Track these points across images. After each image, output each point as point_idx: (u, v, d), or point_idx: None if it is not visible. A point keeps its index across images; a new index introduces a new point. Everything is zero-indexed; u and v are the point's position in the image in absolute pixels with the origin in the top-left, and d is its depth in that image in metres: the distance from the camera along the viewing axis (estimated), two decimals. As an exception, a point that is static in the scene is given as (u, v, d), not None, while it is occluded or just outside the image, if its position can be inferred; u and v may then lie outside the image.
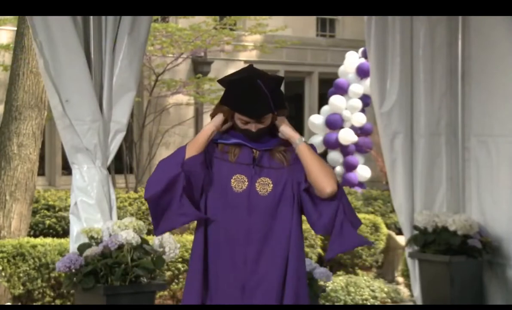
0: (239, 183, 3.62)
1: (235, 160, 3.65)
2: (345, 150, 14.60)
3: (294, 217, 3.64)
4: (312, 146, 3.71)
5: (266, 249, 3.60)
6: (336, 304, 8.54)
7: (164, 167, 3.69)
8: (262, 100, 3.60)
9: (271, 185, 3.63)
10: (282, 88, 3.86)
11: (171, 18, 14.35)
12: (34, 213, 9.89)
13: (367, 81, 13.33)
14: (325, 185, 3.60)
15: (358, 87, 14.51)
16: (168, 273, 8.21)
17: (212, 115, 3.73)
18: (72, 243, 5.99)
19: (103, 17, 6.03)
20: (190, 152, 3.64)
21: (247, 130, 3.65)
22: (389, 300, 8.93)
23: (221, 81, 3.72)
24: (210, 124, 3.68)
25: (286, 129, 3.67)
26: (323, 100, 15.87)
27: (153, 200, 3.64)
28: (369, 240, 10.15)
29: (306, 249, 9.26)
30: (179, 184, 3.59)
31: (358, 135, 14.60)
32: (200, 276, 3.62)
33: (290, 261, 3.62)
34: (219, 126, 3.68)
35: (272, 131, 3.71)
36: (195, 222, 3.73)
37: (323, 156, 15.18)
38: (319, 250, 9.61)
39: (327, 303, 8.46)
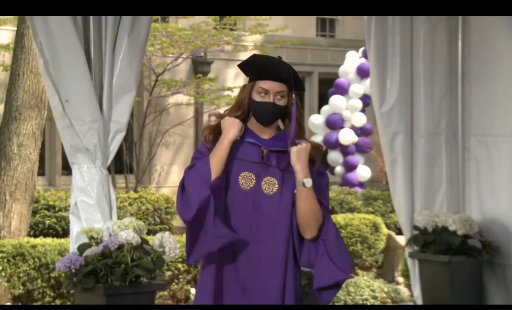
0: (246, 180, 3.60)
1: (244, 157, 3.62)
2: (345, 150, 14.60)
3: (294, 219, 3.63)
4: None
5: (270, 248, 3.58)
6: (336, 304, 8.54)
7: (193, 186, 3.55)
8: (284, 71, 3.61)
9: (277, 185, 3.61)
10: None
11: (171, 18, 14.35)
12: (34, 213, 9.89)
13: (367, 81, 13.33)
14: (307, 232, 3.61)
15: (358, 87, 14.51)
16: (168, 273, 8.22)
17: (224, 116, 3.67)
18: (72, 243, 5.99)
19: (103, 17, 6.03)
20: (215, 173, 3.56)
21: (263, 103, 3.60)
22: (389, 300, 8.93)
23: (243, 62, 3.70)
24: (228, 137, 3.58)
25: (296, 164, 3.57)
26: (323, 100, 15.87)
27: (189, 222, 3.56)
28: (369, 241, 10.17)
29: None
30: (211, 206, 3.52)
31: (358, 135, 14.60)
32: (212, 276, 3.60)
33: (289, 262, 3.61)
34: (236, 136, 3.60)
35: (284, 134, 3.67)
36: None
37: (323, 155, 15.17)
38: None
39: (327, 303, 8.45)
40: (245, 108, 3.66)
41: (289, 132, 3.64)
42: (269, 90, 3.60)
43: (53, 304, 7.80)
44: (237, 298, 3.58)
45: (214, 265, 3.60)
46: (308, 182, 3.57)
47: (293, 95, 3.64)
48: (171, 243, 5.78)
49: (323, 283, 3.61)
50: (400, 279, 9.72)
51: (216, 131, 3.65)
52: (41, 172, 13.79)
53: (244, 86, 3.70)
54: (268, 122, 3.64)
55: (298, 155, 3.58)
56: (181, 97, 14.65)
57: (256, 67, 3.65)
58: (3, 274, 7.63)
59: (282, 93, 3.62)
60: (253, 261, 3.57)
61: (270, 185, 3.61)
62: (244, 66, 3.70)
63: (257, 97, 3.62)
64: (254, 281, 3.57)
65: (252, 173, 3.61)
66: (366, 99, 14.27)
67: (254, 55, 3.70)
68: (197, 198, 3.52)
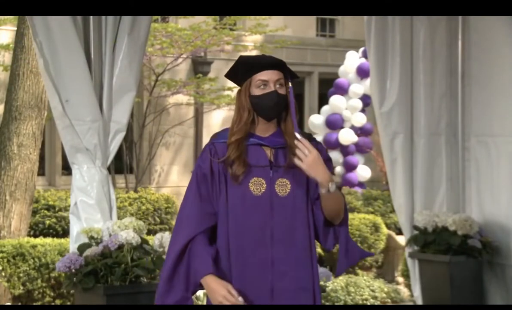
0: (257, 186, 3.55)
1: (251, 162, 3.56)
2: (345, 150, 14.60)
3: (310, 216, 3.60)
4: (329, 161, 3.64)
5: (292, 249, 3.55)
6: (336, 304, 8.54)
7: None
8: (276, 59, 3.59)
9: (289, 185, 3.57)
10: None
11: (171, 18, 14.35)
12: (34, 213, 9.90)
13: (367, 81, 13.33)
14: (336, 221, 3.61)
15: (358, 87, 14.51)
16: (168, 273, 8.21)
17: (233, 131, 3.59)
18: (72, 243, 5.99)
19: (103, 17, 6.03)
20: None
21: (266, 95, 3.53)
22: (389, 300, 8.93)
23: (232, 68, 3.64)
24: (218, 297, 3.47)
25: (316, 176, 3.46)
26: (323, 100, 15.87)
27: None
28: (369, 241, 10.19)
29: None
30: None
31: (358, 135, 14.60)
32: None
33: (313, 260, 3.60)
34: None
35: (281, 132, 3.63)
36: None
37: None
38: (319, 250, 9.61)
39: (327, 303, 8.46)
40: (250, 107, 3.56)
41: (286, 130, 3.60)
42: (269, 80, 3.55)
43: (53, 304, 7.80)
44: (263, 299, 3.52)
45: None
46: (332, 186, 3.50)
47: (290, 83, 3.61)
48: (171, 243, 5.78)
49: (351, 262, 3.67)
50: (400, 279, 9.73)
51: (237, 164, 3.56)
52: (41, 172, 13.78)
53: (239, 90, 3.61)
54: (273, 115, 3.57)
55: (313, 166, 3.46)
56: (181, 97, 14.65)
57: (248, 64, 3.59)
58: (3, 274, 7.63)
59: (280, 81, 3.57)
60: (278, 262, 3.53)
61: (283, 187, 3.56)
62: (235, 70, 3.62)
63: (257, 92, 3.55)
64: (282, 282, 3.53)
65: (262, 178, 3.56)
66: (366, 99, 14.27)
67: (240, 57, 3.64)
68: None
